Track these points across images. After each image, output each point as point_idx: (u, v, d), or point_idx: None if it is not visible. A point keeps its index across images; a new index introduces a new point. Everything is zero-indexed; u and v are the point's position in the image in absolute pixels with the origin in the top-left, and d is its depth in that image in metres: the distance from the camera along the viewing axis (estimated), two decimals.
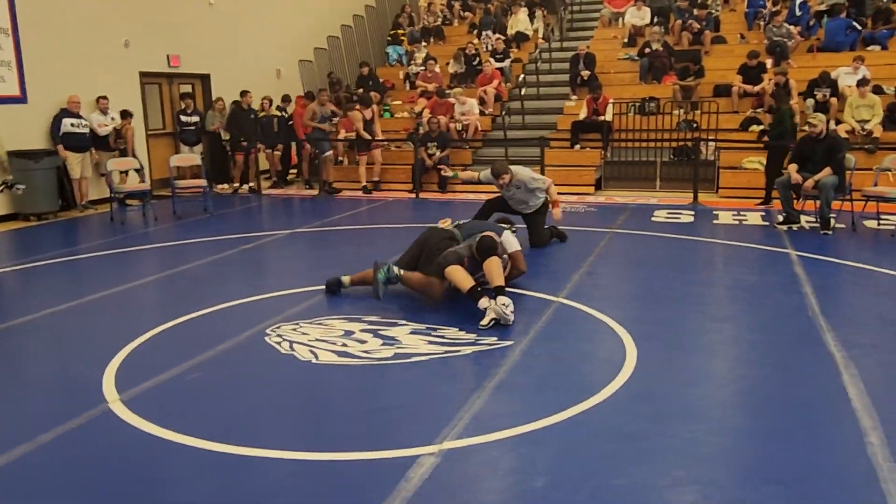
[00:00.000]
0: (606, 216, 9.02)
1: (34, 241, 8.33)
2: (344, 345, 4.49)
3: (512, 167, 7.05)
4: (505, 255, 5.55)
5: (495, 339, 4.54)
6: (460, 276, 5.04)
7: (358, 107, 12.28)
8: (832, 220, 7.69)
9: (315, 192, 11.81)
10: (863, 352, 4.20)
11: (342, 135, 12.66)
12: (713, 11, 14.62)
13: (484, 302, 4.83)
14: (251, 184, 12.22)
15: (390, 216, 9.80)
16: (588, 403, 3.55)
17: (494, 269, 5.06)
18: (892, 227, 7.63)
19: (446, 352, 4.34)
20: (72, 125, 10.13)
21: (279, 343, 4.54)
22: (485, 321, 4.74)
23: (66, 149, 10.09)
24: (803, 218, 8.03)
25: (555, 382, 3.87)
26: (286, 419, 3.52)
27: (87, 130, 10.37)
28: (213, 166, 12.57)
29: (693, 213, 9.08)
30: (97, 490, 2.89)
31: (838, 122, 10.76)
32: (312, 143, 11.92)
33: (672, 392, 3.71)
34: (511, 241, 5.73)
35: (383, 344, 4.49)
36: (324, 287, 5.68)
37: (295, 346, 4.50)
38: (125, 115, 10.99)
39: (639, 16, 14.64)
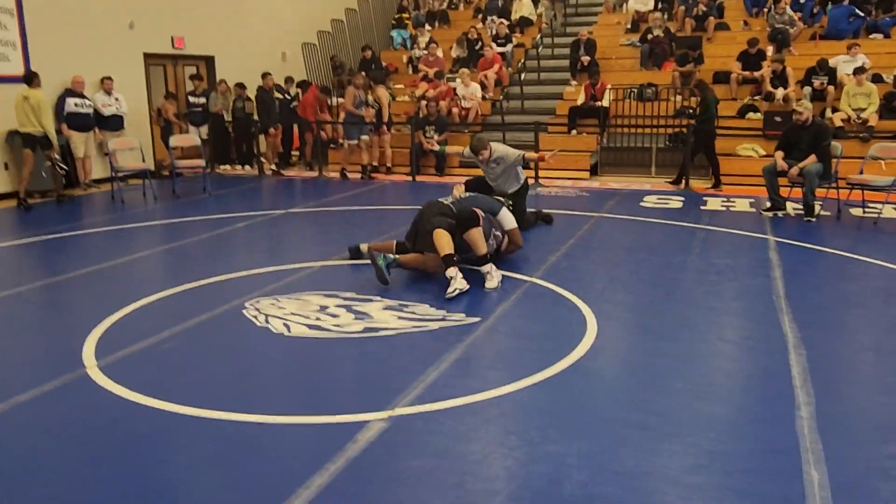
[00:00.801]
0: (596, 201, 9.13)
1: (34, 218, 8.56)
2: (317, 319, 4.67)
3: (491, 143, 7.08)
4: (498, 233, 5.81)
5: (463, 315, 4.70)
6: (444, 242, 5.33)
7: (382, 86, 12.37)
8: (817, 207, 7.77)
9: (315, 173, 11.99)
10: (816, 332, 4.33)
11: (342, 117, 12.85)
12: None
13: (451, 271, 5.14)
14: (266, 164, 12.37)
15: (386, 198, 9.96)
16: (538, 377, 3.70)
17: (476, 239, 5.42)
18: (876, 216, 7.69)
19: (414, 327, 4.51)
20: (75, 105, 10.34)
21: (255, 316, 4.72)
22: (450, 290, 5.04)
23: (69, 128, 10.32)
24: (790, 205, 8.11)
25: (511, 358, 4.04)
26: (249, 386, 3.69)
27: (91, 110, 10.58)
28: (215, 147, 12.82)
29: (682, 198, 9.17)
30: (63, 446, 3.08)
31: (835, 109, 10.78)
32: (345, 129, 11.83)
33: (622, 369, 3.86)
34: (508, 218, 6.03)
35: (355, 318, 4.67)
36: (319, 261, 5.87)
37: (270, 319, 4.68)
38: (167, 95, 11.92)
39: (642, 1, 14.64)
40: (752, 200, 8.87)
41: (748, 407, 3.41)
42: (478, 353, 4.09)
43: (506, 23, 15.02)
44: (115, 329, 4.53)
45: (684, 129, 10.75)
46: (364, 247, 6.10)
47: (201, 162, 10.29)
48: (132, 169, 9.97)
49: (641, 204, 8.83)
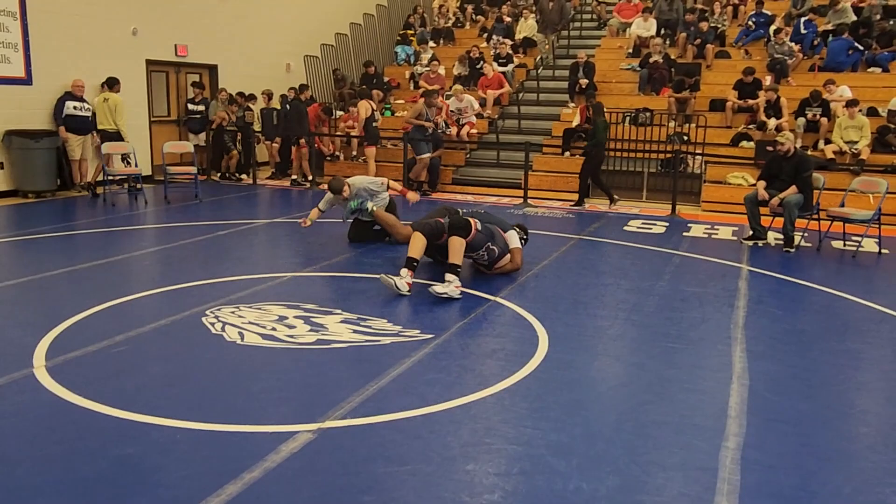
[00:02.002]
0: (580, 223, 9.15)
1: (24, 217, 8.69)
2: (273, 329, 4.71)
3: (348, 179, 7.35)
4: (493, 248, 5.98)
5: (418, 331, 4.74)
6: (415, 245, 5.72)
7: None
8: (797, 238, 7.76)
9: (307, 185, 12.08)
10: (764, 364, 4.32)
11: (341, 129, 12.97)
12: (720, 26, 14.64)
13: (403, 272, 5.54)
14: (308, 177, 12.34)
15: None
16: (475, 396, 3.73)
17: (454, 248, 5.64)
18: (855, 249, 7.67)
19: (366, 341, 4.55)
20: (74, 108, 10.50)
21: (213, 324, 4.78)
22: (389, 279, 5.50)
23: (67, 130, 10.47)
24: (771, 235, 8.10)
25: (454, 376, 4.05)
26: (190, 392, 3.73)
27: (89, 114, 10.73)
28: (216, 155, 12.97)
29: (667, 224, 9.18)
30: None
31: (828, 141, 10.78)
32: (412, 144, 11.40)
33: (560, 391, 3.87)
34: (515, 239, 6.26)
35: (310, 330, 4.71)
36: (275, 275, 5.94)
37: (227, 327, 4.73)
38: (230, 101, 12.64)
39: (644, 27, 14.71)
40: (735, 229, 8.87)
41: (677, 434, 3.40)
42: (422, 370, 4.11)
43: (508, 43, 15.13)
44: (74, 330, 4.59)
45: (673, 155, 10.79)
46: (370, 205, 6.48)
47: (193, 168, 10.40)
48: (123, 173, 10.09)
49: (625, 228, 8.85)
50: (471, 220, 5.75)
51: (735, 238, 8.35)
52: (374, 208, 6.19)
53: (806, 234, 8.09)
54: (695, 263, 7.02)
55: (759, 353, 4.50)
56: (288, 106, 12.32)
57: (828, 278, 6.56)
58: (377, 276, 5.77)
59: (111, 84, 10.77)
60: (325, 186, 7.28)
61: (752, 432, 3.41)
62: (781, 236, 7.87)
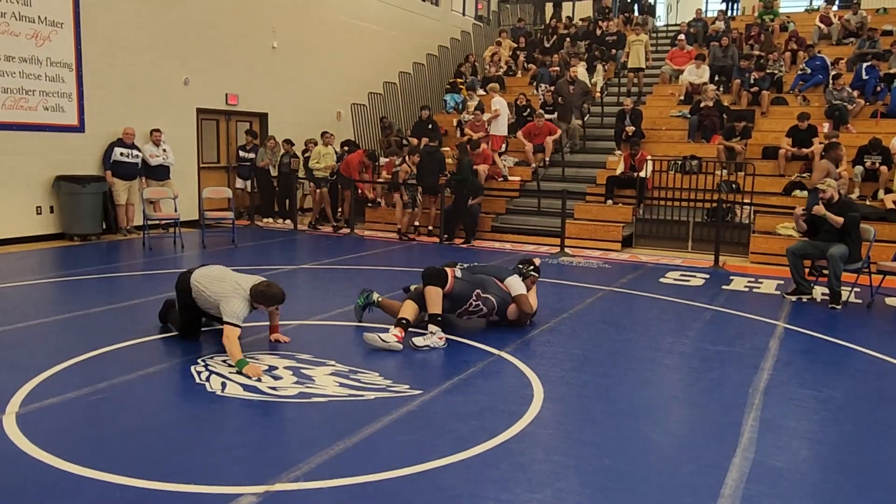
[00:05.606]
0: (615, 274, 8.79)
1: (60, 259, 8.91)
2: (258, 379, 4.57)
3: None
4: (490, 297, 5.73)
5: (407, 386, 4.51)
6: (407, 306, 5.56)
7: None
8: (844, 294, 7.22)
9: (347, 230, 12.09)
10: (776, 435, 3.91)
11: (383, 177, 12.99)
12: (776, 72, 14.16)
13: (392, 329, 5.32)
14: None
15: (405, 259, 9.89)
16: (443, 462, 3.47)
17: (430, 298, 5.44)
18: None
19: (350, 395, 4.35)
20: (121, 154, 10.84)
21: (200, 373, 4.67)
22: (372, 337, 5.25)
23: (114, 176, 10.81)
24: (818, 290, 7.57)
25: (430, 436, 3.80)
26: (149, 446, 3.59)
27: (138, 160, 11.07)
28: (261, 200, 13.19)
29: (707, 276, 8.72)
30: None
31: (888, 190, 10.15)
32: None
33: (538, 459, 3.56)
34: (516, 285, 5.91)
35: (296, 382, 4.55)
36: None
37: (212, 377, 4.62)
38: (411, 150, 12.68)
39: (697, 73, 14.35)
40: (780, 282, 8.34)
41: None
42: (397, 430, 3.87)
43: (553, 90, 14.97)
44: (61, 375, 4.56)
45: (722, 204, 10.32)
46: (375, 296, 6.06)
47: (230, 214, 10.53)
48: (161, 218, 10.30)
49: (661, 280, 8.44)
50: (447, 269, 5.56)
51: (778, 292, 7.84)
52: (380, 299, 5.90)
53: (857, 289, 7.53)
54: (727, 319, 6.58)
55: (774, 423, 4.08)
56: (416, 156, 12.04)
57: (872, 339, 6.03)
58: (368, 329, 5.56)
59: (322, 136, 12.81)
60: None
61: None
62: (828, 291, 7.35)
